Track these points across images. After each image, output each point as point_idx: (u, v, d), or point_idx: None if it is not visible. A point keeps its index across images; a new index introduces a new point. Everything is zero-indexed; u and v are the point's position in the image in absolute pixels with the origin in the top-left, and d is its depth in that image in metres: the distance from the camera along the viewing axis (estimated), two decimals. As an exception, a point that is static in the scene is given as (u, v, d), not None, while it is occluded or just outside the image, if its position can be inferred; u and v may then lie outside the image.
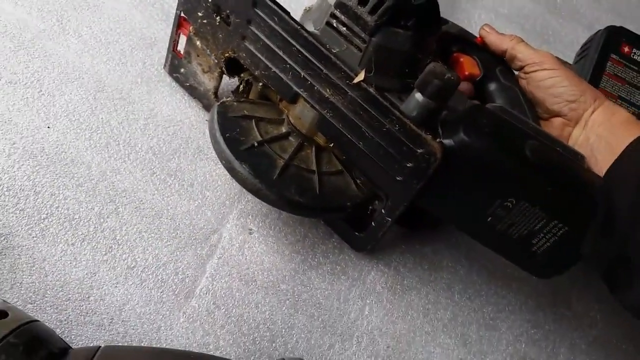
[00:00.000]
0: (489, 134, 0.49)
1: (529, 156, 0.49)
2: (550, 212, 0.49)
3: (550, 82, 0.56)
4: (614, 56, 0.68)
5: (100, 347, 0.41)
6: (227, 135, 0.52)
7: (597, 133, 0.54)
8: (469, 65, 0.58)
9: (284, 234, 0.60)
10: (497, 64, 0.60)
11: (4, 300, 0.44)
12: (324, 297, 0.58)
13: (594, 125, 0.55)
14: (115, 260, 0.55)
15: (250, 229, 0.59)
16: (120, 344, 0.51)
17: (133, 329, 0.52)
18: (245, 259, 0.57)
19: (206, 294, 0.55)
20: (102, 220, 0.56)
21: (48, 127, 0.60)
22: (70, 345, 0.44)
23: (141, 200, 0.58)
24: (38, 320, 0.43)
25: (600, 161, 0.52)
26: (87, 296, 0.52)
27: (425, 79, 0.46)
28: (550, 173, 0.49)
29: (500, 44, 0.60)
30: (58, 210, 0.56)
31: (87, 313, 0.51)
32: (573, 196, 0.49)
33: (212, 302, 0.54)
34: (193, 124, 0.64)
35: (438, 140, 0.47)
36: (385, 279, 0.61)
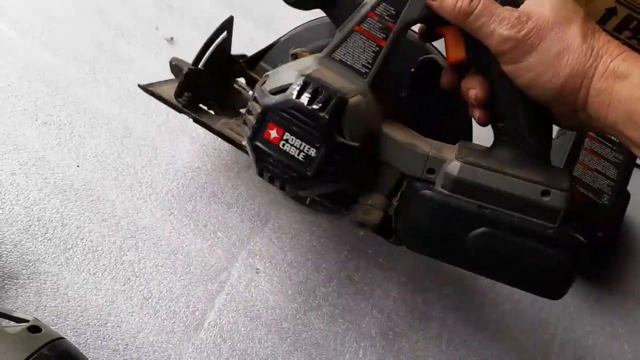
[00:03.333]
0: (426, 238, 0.49)
1: (469, 252, 0.47)
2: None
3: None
4: (591, 133, 0.76)
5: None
6: None
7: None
8: (452, 48, 0.48)
9: (288, 275, 0.65)
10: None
11: (35, 318, 0.48)
12: (322, 337, 0.62)
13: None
14: (133, 291, 0.59)
15: (257, 269, 0.64)
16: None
17: (145, 356, 0.56)
18: (252, 296, 0.62)
19: (214, 327, 0.59)
20: (122, 253, 0.61)
21: (77, 166, 0.66)
22: (92, 364, 0.48)
23: (159, 237, 0.63)
24: (65, 338, 0.47)
25: None
26: (105, 322, 0.56)
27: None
28: (498, 264, 0.48)
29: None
30: (83, 242, 0.61)
31: (104, 338, 0.56)
32: (537, 272, 0.47)
33: (219, 336, 0.59)
34: (209, 171, 0.70)
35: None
36: (379, 325, 0.65)
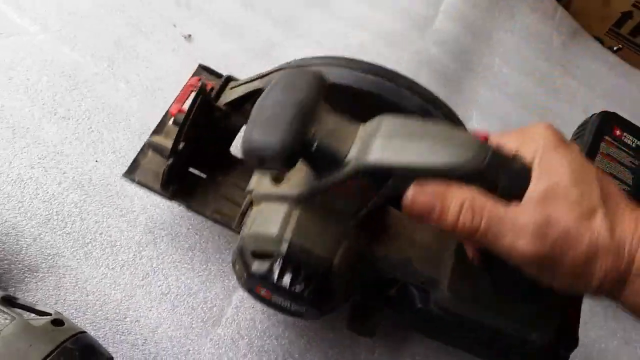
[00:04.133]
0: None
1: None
2: None
3: None
4: (607, 137, 0.76)
5: None
6: None
7: None
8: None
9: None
10: None
11: (56, 311, 0.48)
12: (337, 334, 0.62)
13: None
14: (151, 286, 0.59)
15: (274, 267, 0.64)
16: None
17: (164, 351, 0.56)
18: (269, 294, 0.62)
19: (231, 323, 0.59)
20: (141, 248, 0.61)
21: (96, 161, 0.66)
22: None
23: (177, 234, 0.63)
24: (86, 332, 0.47)
25: None
26: (123, 317, 0.57)
27: None
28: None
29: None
30: (101, 237, 0.61)
31: (122, 332, 0.56)
32: None
33: (236, 332, 0.59)
34: (227, 168, 0.70)
35: None
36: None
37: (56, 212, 0.61)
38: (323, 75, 0.44)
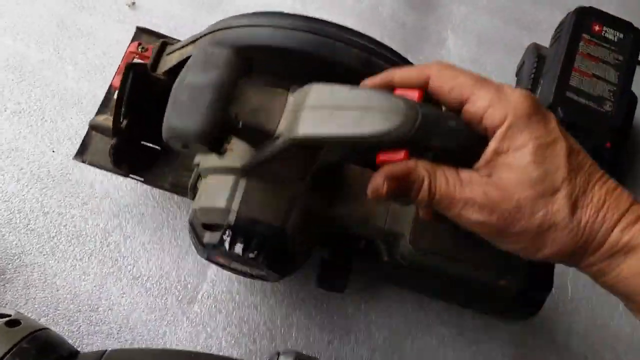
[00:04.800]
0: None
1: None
2: None
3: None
4: (585, 36, 0.69)
5: (106, 350, 0.45)
6: None
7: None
8: None
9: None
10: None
11: (17, 311, 0.47)
12: (321, 294, 0.61)
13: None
14: (121, 272, 0.58)
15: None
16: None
17: (140, 336, 0.55)
18: (244, 263, 0.60)
19: (208, 298, 0.58)
20: (107, 235, 0.60)
21: (53, 151, 0.64)
22: (81, 352, 0.47)
23: (143, 215, 0.61)
24: (48, 328, 0.46)
25: None
26: (96, 307, 0.56)
27: None
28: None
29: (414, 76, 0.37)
30: (66, 229, 0.59)
31: (96, 323, 0.55)
32: None
33: (213, 306, 0.57)
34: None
35: None
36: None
37: (17, 210, 0.60)
38: (243, 48, 0.42)
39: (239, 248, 0.43)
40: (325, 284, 0.52)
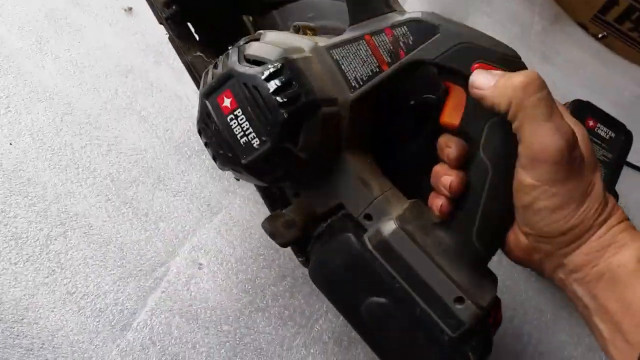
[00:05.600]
0: (330, 279, 0.44)
1: (362, 313, 0.43)
2: None
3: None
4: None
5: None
6: None
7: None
8: (450, 109, 0.41)
9: (236, 271, 0.59)
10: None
11: None
12: (266, 342, 0.57)
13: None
14: (56, 284, 0.53)
15: (201, 264, 0.58)
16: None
17: (63, 357, 0.50)
18: (190, 295, 0.56)
19: (144, 328, 0.53)
20: (49, 242, 0.55)
21: (10, 144, 0.60)
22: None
23: (91, 226, 0.57)
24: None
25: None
26: (20, 318, 0.51)
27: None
28: (382, 340, 0.44)
29: (501, 95, 0.36)
30: (6, 228, 0.55)
31: (17, 335, 0.50)
32: None
33: (148, 337, 0.53)
34: (157, 154, 0.64)
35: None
36: (332, 329, 0.60)
37: (-42, 199, 0.55)
38: None
39: (274, 84, 0.38)
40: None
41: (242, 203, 0.63)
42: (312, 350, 0.58)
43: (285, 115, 0.38)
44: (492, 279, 0.43)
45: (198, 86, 0.50)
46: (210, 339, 0.55)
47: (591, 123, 0.70)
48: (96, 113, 0.65)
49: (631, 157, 0.86)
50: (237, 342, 0.55)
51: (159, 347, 0.53)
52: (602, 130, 0.70)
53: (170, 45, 0.52)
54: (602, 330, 0.36)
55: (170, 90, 0.69)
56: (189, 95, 0.69)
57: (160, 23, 0.52)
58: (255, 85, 0.39)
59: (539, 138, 0.34)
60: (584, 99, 0.75)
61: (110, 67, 0.69)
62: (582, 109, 0.71)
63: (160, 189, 0.62)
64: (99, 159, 0.61)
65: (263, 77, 0.38)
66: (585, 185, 0.36)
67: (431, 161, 0.44)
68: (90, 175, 0.60)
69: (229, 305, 0.57)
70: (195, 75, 0.52)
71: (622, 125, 0.71)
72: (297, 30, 0.46)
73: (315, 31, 0.46)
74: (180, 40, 0.52)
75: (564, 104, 0.74)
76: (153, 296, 0.55)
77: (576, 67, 0.99)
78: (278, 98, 0.38)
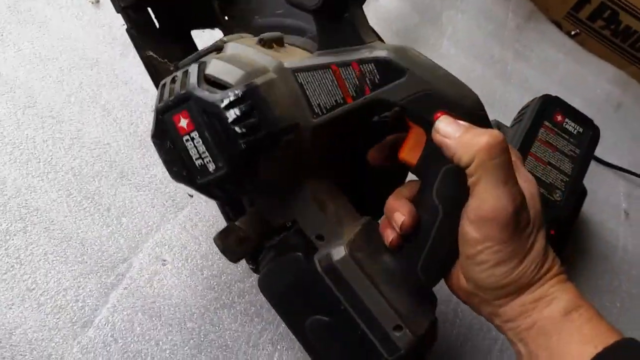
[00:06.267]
0: (278, 293, 0.45)
1: (306, 329, 0.44)
2: None
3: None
4: (547, 123, 0.70)
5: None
6: None
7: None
8: (409, 147, 0.41)
9: (200, 268, 0.58)
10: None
11: None
12: (232, 339, 0.56)
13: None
14: (15, 281, 0.52)
15: (164, 260, 0.58)
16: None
17: (21, 355, 0.49)
18: (154, 291, 0.55)
19: (105, 325, 0.52)
20: (8, 237, 0.54)
21: (-32, 138, 0.59)
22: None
23: (52, 221, 0.56)
24: None
25: None
26: (-25, 316, 0.50)
27: None
28: (326, 354, 0.45)
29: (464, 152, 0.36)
30: (-38, 223, 0.54)
31: (-28, 334, 0.49)
32: None
33: (110, 335, 0.52)
34: (121, 148, 0.63)
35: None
36: (299, 326, 0.59)
37: None
38: None
39: (234, 113, 0.37)
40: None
41: (208, 198, 0.62)
42: (279, 347, 0.57)
43: (243, 146, 0.37)
44: (432, 301, 0.44)
45: (155, 84, 0.49)
46: (174, 336, 0.54)
47: (559, 118, 0.71)
48: (59, 106, 0.63)
49: (603, 155, 0.88)
50: (202, 339, 0.55)
51: (121, 344, 0.52)
52: (570, 125, 0.71)
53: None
54: None
55: (136, 82, 0.67)
56: (154, 88, 0.68)
57: (118, 12, 0.51)
58: (213, 114, 0.37)
59: (491, 200, 0.36)
60: (555, 94, 0.76)
61: (75, 60, 0.68)
62: (550, 104, 0.72)
63: (124, 183, 0.61)
64: (61, 153, 0.60)
65: (222, 106, 0.37)
66: (528, 245, 0.38)
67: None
68: (51, 170, 0.59)
69: (193, 302, 0.56)
70: (152, 71, 0.50)
71: (590, 121, 0.71)
72: (263, 43, 0.44)
73: (281, 43, 0.45)
74: (138, 31, 0.50)
75: (533, 99, 0.74)
76: (115, 293, 0.54)
77: (550, 65, 1.00)
78: (237, 128, 0.37)
